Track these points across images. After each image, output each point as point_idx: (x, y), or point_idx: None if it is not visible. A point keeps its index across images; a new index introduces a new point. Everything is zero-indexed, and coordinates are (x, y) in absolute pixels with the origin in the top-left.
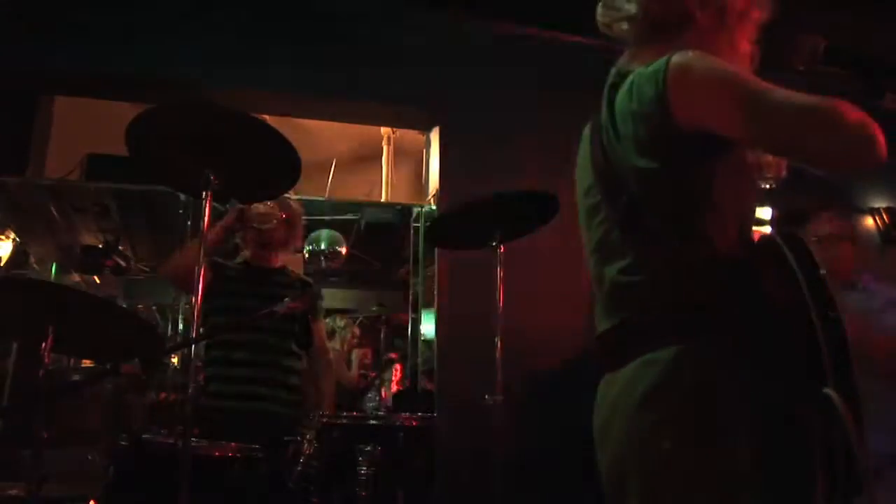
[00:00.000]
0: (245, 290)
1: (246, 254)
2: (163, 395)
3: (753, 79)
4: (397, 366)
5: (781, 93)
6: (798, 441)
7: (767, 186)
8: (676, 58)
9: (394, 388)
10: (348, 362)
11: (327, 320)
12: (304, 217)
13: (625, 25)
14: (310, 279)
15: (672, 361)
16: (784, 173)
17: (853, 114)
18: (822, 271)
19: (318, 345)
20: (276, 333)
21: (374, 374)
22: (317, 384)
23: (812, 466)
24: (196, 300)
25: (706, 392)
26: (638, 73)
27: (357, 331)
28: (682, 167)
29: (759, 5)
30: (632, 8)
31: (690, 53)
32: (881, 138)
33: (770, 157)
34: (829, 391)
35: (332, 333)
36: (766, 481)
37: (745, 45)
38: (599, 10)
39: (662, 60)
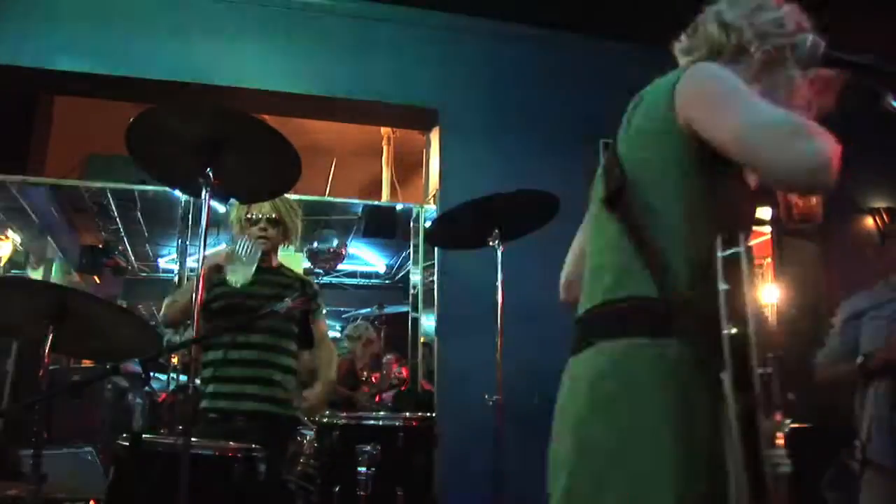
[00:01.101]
0: (242, 292)
1: None
2: (163, 395)
3: (747, 91)
4: (402, 369)
5: (760, 104)
6: (714, 431)
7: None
8: (696, 64)
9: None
10: (360, 375)
11: (351, 326)
12: (300, 216)
13: (690, 55)
14: (309, 278)
15: (618, 352)
16: (819, 219)
17: (816, 138)
18: (724, 287)
19: (319, 339)
20: (275, 333)
21: (375, 379)
22: (318, 374)
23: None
24: (196, 300)
25: (639, 384)
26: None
27: (377, 346)
28: (672, 164)
29: (829, 60)
30: (698, 37)
31: (713, 64)
32: (833, 167)
33: (799, 199)
34: (723, 376)
35: (356, 339)
36: (683, 467)
37: (804, 91)
38: (675, 45)
39: (688, 65)
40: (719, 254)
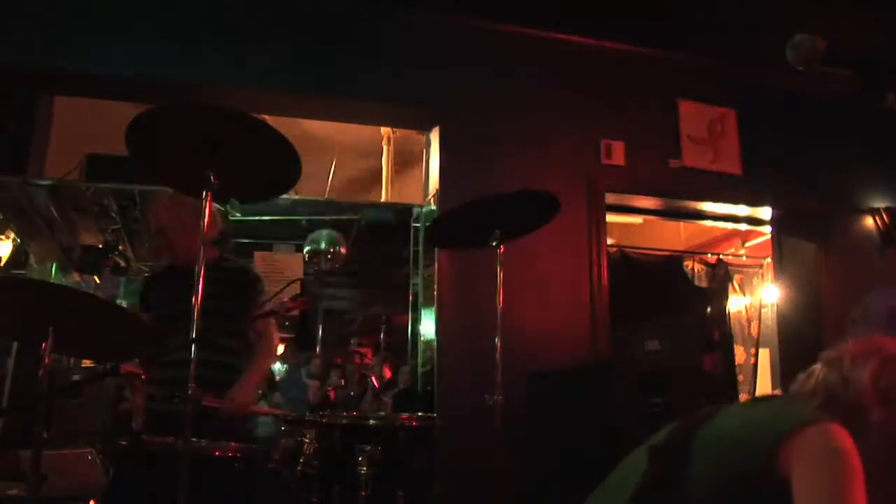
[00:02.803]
0: (178, 295)
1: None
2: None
3: (856, 497)
4: (385, 367)
5: None
6: None
7: None
8: (828, 428)
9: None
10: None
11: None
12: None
13: (813, 401)
14: (250, 266)
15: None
16: None
17: None
18: None
19: (259, 336)
20: (215, 329)
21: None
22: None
23: None
24: (196, 300)
25: None
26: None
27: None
28: (742, 479)
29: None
30: (816, 381)
31: (845, 438)
32: None
33: None
34: None
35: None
36: None
37: None
38: (791, 385)
39: (814, 415)
40: None
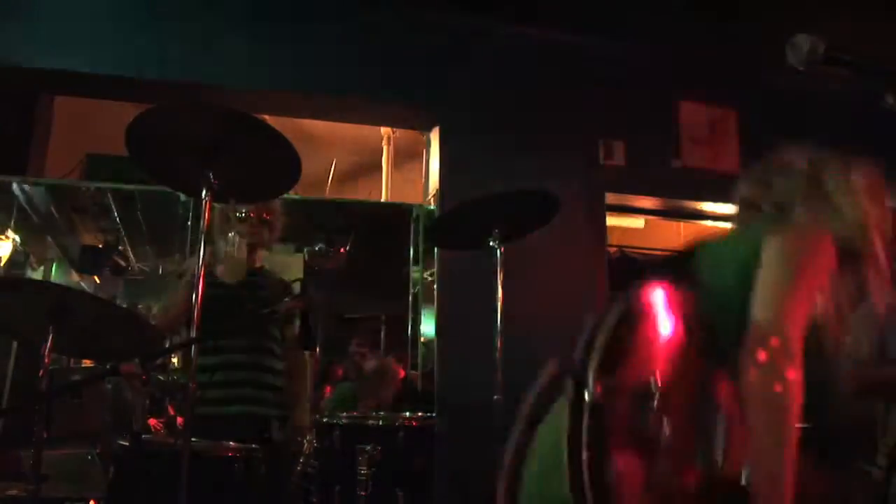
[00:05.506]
0: (229, 294)
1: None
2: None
3: None
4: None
5: None
6: None
7: None
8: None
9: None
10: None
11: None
12: (281, 214)
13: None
14: (289, 281)
15: None
16: None
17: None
18: None
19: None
20: (258, 335)
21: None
22: (290, 382)
23: None
24: (196, 300)
25: None
26: None
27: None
28: None
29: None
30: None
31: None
32: None
33: None
34: None
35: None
36: None
37: None
38: None
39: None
40: None
